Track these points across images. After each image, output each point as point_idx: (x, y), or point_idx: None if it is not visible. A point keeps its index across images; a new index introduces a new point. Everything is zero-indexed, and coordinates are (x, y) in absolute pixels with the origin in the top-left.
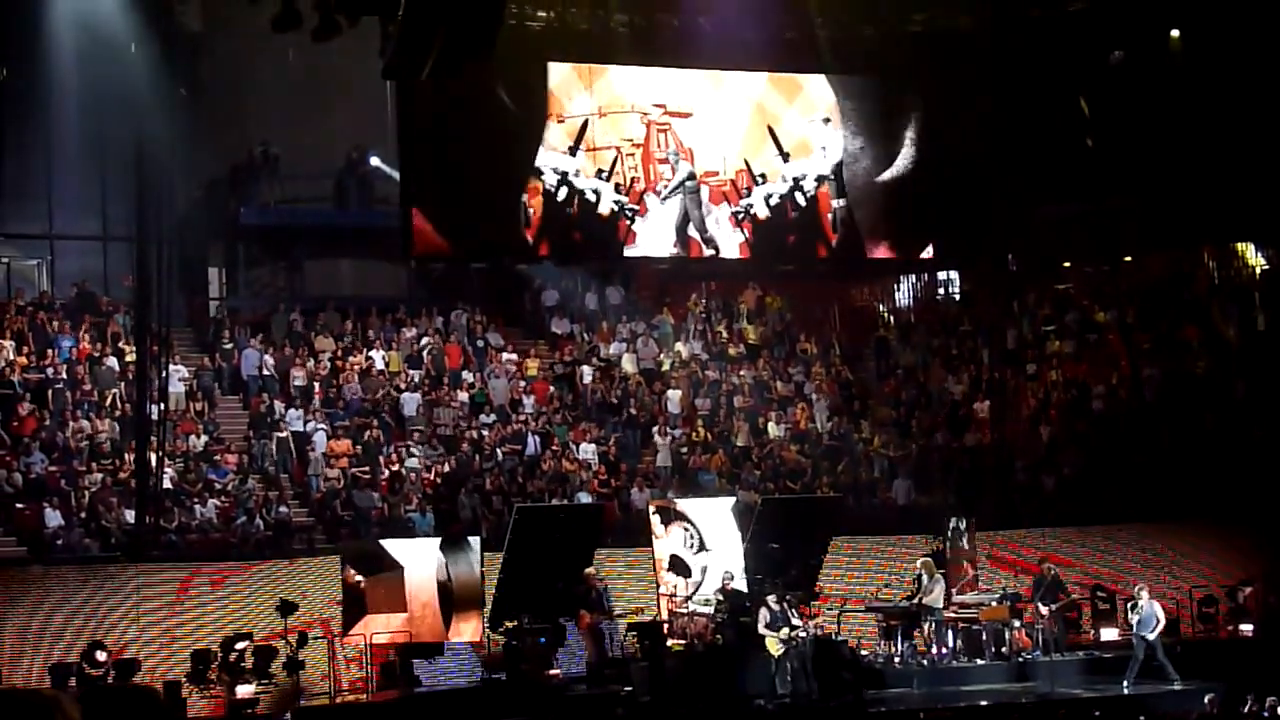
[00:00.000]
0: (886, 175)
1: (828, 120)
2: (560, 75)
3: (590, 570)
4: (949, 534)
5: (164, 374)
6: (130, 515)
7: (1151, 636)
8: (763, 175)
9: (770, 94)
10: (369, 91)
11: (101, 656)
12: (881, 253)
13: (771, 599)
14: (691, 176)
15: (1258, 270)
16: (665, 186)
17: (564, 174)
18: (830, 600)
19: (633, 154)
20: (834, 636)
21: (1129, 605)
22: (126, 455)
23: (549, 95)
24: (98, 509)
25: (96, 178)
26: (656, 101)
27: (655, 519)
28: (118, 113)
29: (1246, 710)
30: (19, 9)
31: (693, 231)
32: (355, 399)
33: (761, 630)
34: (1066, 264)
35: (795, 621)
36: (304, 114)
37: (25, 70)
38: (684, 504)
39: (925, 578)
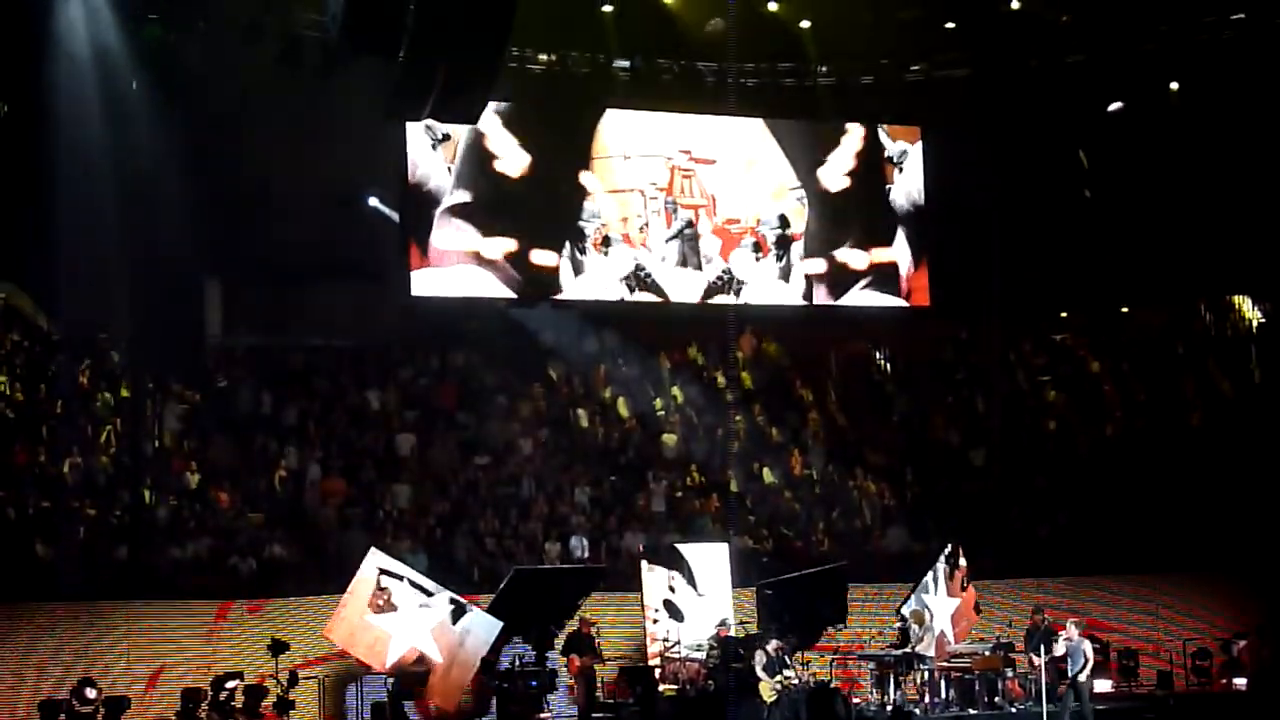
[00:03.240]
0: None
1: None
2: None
3: (584, 615)
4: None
5: (159, 411)
6: (124, 552)
7: (1082, 678)
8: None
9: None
10: (369, 131)
11: (91, 694)
12: (877, 300)
13: (771, 644)
14: (690, 225)
15: (1254, 323)
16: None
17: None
18: (822, 648)
19: (656, 197)
20: (828, 684)
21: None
22: (120, 492)
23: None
24: (91, 546)
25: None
26: (683, 148)
27: (645, 564)
28: (116, 149)
29: None
30: (21, 45)
31: (690, 275)
32: (349, 438)
33: (758, 673)
34: (1064, 314)
35: (789, 670)
36: (303, 153)
37: (25, 106)
38: (677, 549)
39: (916, 627)
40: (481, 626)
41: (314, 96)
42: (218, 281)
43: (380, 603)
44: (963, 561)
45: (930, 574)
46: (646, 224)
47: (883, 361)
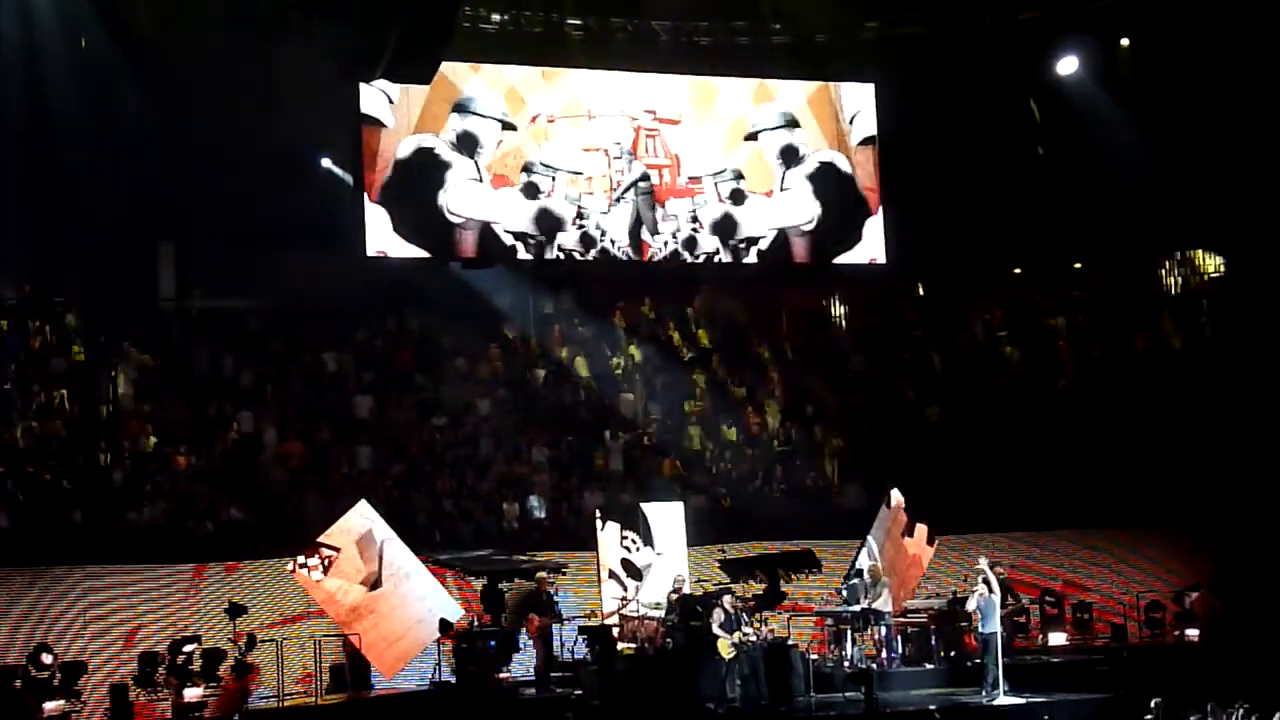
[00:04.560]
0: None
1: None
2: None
3: (542, 574)
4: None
5: (113, 374)
6: (79, 516)
7: (989, 629)
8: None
9: (745, 100)
10: (322, 92)
11: (47, 659)
12: (836, 258)
13: (727, 601)
14: (645, 178)
15: (1207, 278)
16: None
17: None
18: (781, 606)
19: (621, 156)
20: (786, 641)
21: (970, 593)
22: (75, 456)
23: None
24: (46, 510)
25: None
26: (647, 107)
27: (601, 523)
28: (67, 111)
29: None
30: None
31: (645, 234)
32: (305, 400)
33: (716, 631)
34: (1018, 270)
35: (747, 627)
36: (256, 114)
37: None
38: (635, 508)
39: (871, 582)
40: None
41: (266, 57)
42: (171, 244)
43: (353, 554)
44: (897, 502)
45: (875, 528)
46: (616, 183)
47: (839, 318)
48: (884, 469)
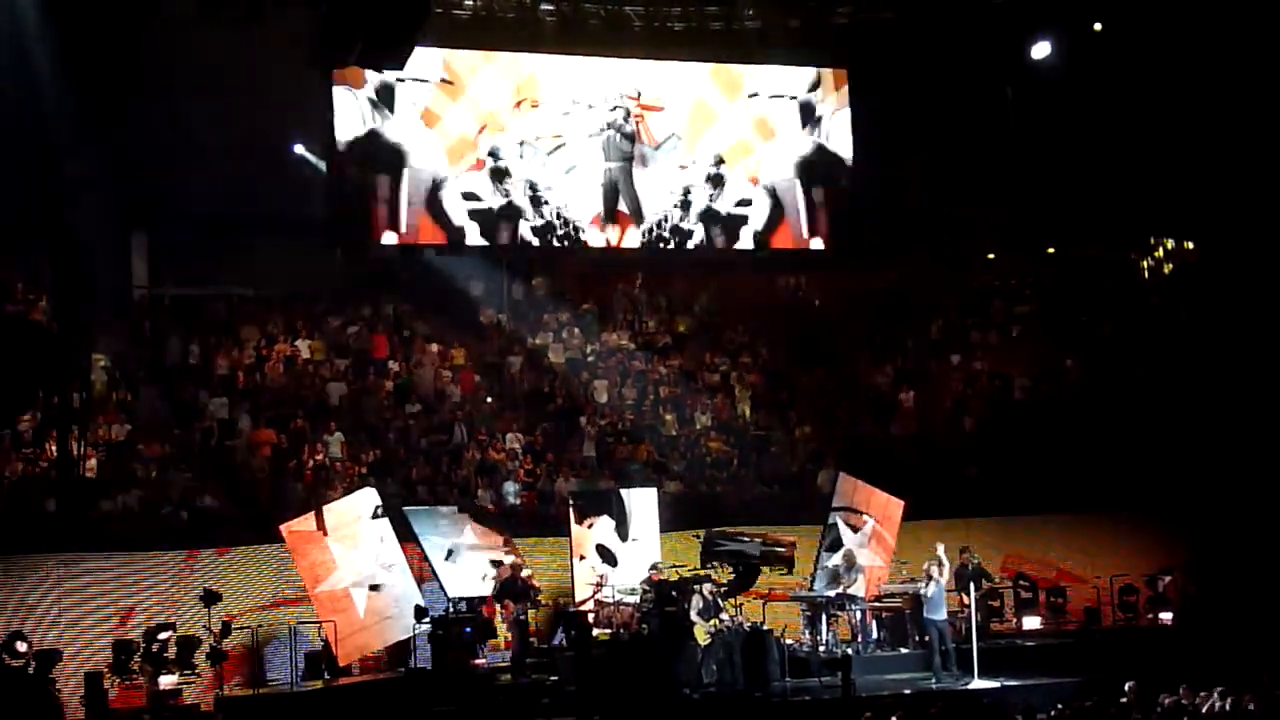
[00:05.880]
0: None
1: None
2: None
3: (515, 559)
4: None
5: (87, 363)
6: (53, 505)
7: (939, 616)
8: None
9: (711, 87)
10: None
11: (22, 647)
12: (808, 244)
13: (707, 588)
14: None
15: (1182, 264)
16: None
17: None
18: (755, 592)
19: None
20: (762, 626)
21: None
22: (48, 445)
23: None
24: (20, 498)
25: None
26: (629, 93)
27: (574, 508)
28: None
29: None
30: None
31: (622, 205)
32: (280, 388)
33: (693, 617)
34: (990, 255)
35: (723, 614)
36: (229, 101)
37: None
38: (608, 494)
39: (846, 566)
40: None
41: (237, 44)
42: (144, 232)
43: (348, 534)
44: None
45: (837, 511)
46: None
47: (813, 304)
48: (858, 454)
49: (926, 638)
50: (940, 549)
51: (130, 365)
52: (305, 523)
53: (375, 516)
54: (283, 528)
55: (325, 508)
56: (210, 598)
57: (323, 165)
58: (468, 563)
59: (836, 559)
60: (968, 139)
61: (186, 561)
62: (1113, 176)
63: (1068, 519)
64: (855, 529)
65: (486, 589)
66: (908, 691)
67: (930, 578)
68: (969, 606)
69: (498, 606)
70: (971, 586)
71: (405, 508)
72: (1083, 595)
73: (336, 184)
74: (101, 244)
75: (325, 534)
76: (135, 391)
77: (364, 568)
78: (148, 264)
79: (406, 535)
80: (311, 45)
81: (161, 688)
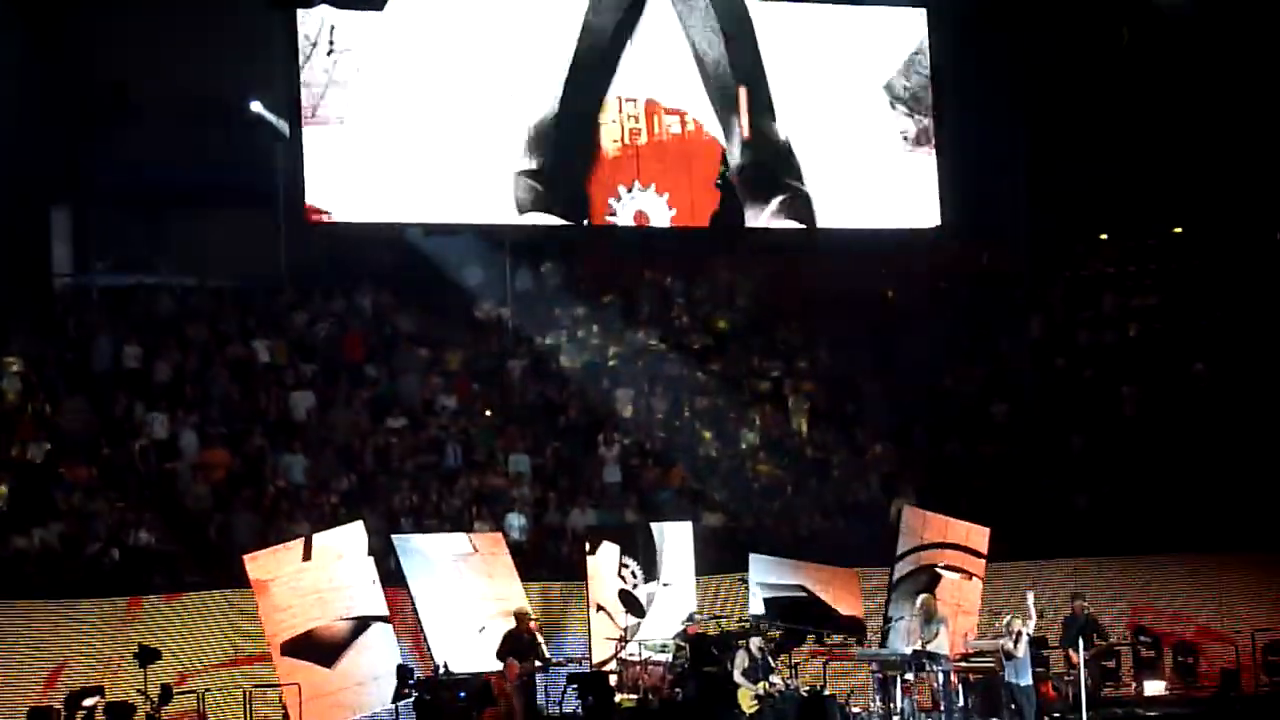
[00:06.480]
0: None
1: None
2: None
3: (523, 609)
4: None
5: None
6: None
7: (1026, 682)
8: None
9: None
10: (250, 21)
11: None
12: (877, 224)
13: (755, 644)
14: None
15: None
16: None
17: None
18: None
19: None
20: (822, 691)
21: (1011, 634)
22: None
23: None
24: None
25: None
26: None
27: (592, 547)
28: None
29: None
30: None
31: None
32: (233, 399)
33: (737, 679)
34: (1103, 236)
35: (775, 675)
36: (170, 48)
37: None
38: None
39: (924, 618)
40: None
41: None
42: (66, 208)
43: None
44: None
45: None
46: (634, 130)
47: (885, 296)
48: (939, 479)
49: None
50: (1030, 598)
51: (50, 370)
52: (274, 556)
53: (361, 555)
54: (246, 559)
55: (314, 536)
56: (146, 656)
57: (285, 126)
58: (465, 611)
59: (912, 610)
60: (1074, 92)
61: (130, 609)
62: (1255, 138)
63: (1199, 560)
64: (932, 571)
65: (486, 645)
66: None
67: (1017, 634)
68: (1077, 667)
69: (500, 666)
70: (1081, 641)
71: (394, 536)
72: (1219, 654)
73: (300, 149)
74: (13, 221)
75: (307, 562)
76: (56, 403)
77: (339, 617)
78: (71, 246)
79: (389, 578)
80: None
81: None
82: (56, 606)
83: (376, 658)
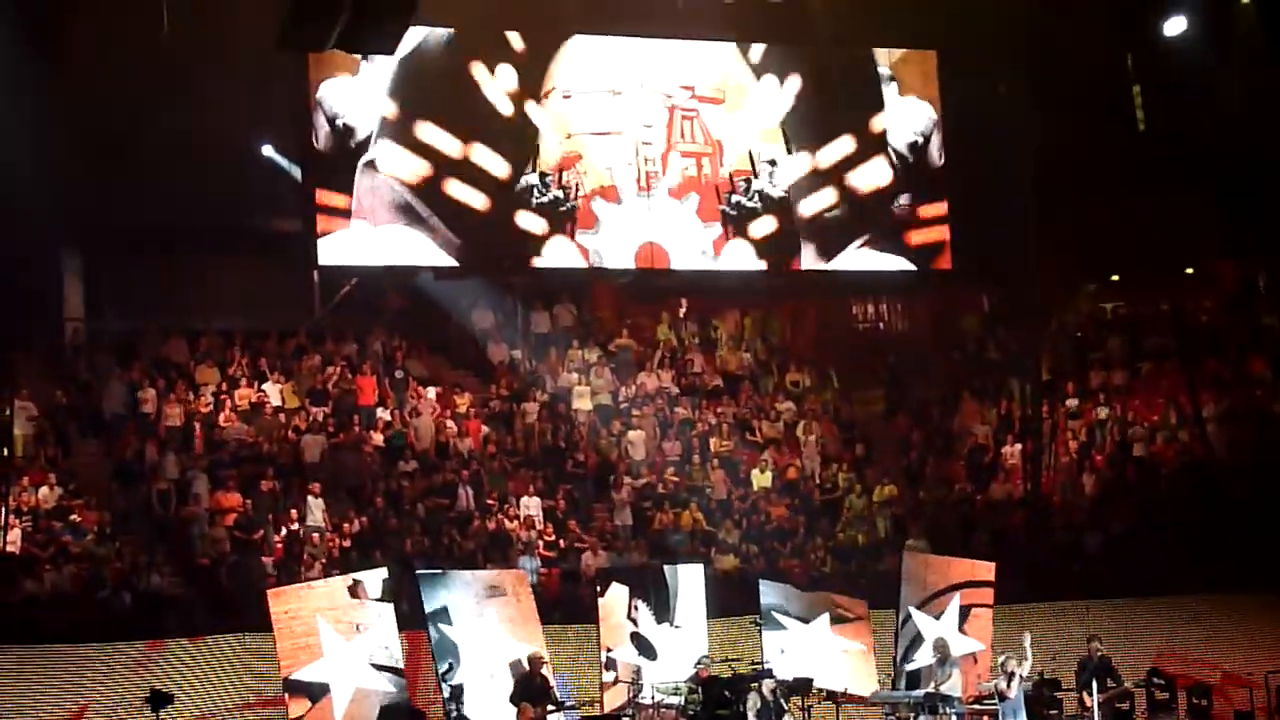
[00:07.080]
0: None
1: None
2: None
3: (537, 653)
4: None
5: (8, 412)
6: None
7: None
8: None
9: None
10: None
11: None
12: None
13: (766, 686)
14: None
15: None
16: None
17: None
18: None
19: (650, 143)
20: None
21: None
22: None
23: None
24: None
25: None
26: (684, 83)
27: (603, 589)
28: None
29: None
30: None
31: None
32: (245, 442)
33: None
34: (1114, 277)
35: (787, 717)
36: (182, 93)
37: None
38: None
39: (939, 659)
40: None
41: (193, 21)
42: (77, 252)
43: (347, 619)
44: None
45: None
46: (650, 173)
47: (897, 335)
48: (950, 520)
49: None
50: (1026, 639)
51: (61, 415)
52: (296, 594)
53: (382, 599)
54: (270, 594)
55: (336, 579)
56: (158, 700)
57: (297, 170)
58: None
59: (924, 652)
60: (1083, 124)
61: (150, 650)
62: (1271, 173)
63: (1213, 601)
64: (939, 615)
65: (499, 689)
66: None
67: (1010, 674)
68: (1091, 710)
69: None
70: (1094, 684)
71: (420, 571)
72: (1233, 697)
73: (313, 193)
74: (25, 265)
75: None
76: (67, 447)
77: (356, 662)
78: (83, 291)
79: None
80: (283, 23)
81: None
82: (75, 650)
83: (387, 704)
